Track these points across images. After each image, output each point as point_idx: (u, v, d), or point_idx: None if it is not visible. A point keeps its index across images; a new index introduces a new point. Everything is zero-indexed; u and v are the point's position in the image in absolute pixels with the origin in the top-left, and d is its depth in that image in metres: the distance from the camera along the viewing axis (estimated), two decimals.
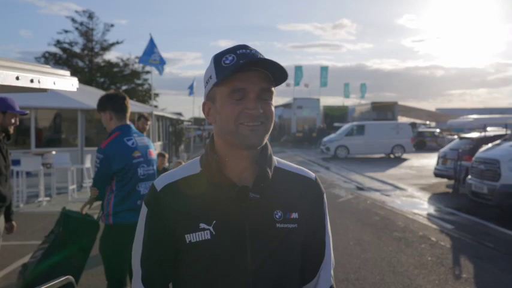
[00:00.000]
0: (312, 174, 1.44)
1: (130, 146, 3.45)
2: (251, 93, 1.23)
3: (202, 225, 1.27)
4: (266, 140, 1.29)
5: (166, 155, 7.99)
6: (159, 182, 1.33)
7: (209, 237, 1.26)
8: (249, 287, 1.28)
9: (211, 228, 1.26)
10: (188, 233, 1.27)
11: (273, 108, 1.28)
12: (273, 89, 1.28)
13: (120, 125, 3.52)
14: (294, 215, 1.33)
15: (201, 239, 1.26)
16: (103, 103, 3.54)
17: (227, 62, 1.24)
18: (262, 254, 1.28)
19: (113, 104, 3.51)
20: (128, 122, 3.59)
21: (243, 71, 1.21)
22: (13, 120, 3.64)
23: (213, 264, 1.27)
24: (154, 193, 1.32)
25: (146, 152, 3.59)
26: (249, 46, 1.28)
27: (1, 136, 3.66)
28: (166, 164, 7.70)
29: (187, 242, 1.27)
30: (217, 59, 1.27)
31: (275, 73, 1.25)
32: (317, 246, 1.42)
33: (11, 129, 3.68)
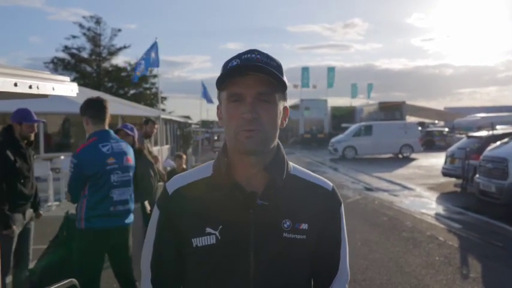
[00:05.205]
0: (329, 184, 1.38)
1: (104, 152, 3.44)
2: (247, 98, 1.21)
3: (208, 230, 1.26)
4: (268, 146, 1.25)
5: (184, 156, 8.01)
6: (171, 185, 1.34)
7: (214, 241, 1.25)
8: None
9: (217, 233, 1.25)
10: (195, 237, 1.26)
11: (275, 112, 1.24)
12: (276, 93, 1.24)
13: (97, 130, 3.51)
14: (304, 226, 1.29)
15: (206, 244, 1.25)
16: (81, 108, 3.56)
17: (231, 66, 1.24)
18: (265, 264, 1.25)
19: (88, 108, 3.52)
20: (106, 127, 3.58)
21: (240, 76, 1.20)
22: (30, 129, 3.98)
23: (216, 269, 1.26)
24: (166, 196, 1.33)
25: (122, 159, 3.55)
26: (258, 51, 1.26)
27: (23, 143, 3.97)
28: (184, 166, 7.72)
29: (194, 246, 1.26)
30: (225, 63, 1.27)
31: (276, 77, 1.21)
32: (329, 259, 1.37)
33: (31, 136, 4.03)
